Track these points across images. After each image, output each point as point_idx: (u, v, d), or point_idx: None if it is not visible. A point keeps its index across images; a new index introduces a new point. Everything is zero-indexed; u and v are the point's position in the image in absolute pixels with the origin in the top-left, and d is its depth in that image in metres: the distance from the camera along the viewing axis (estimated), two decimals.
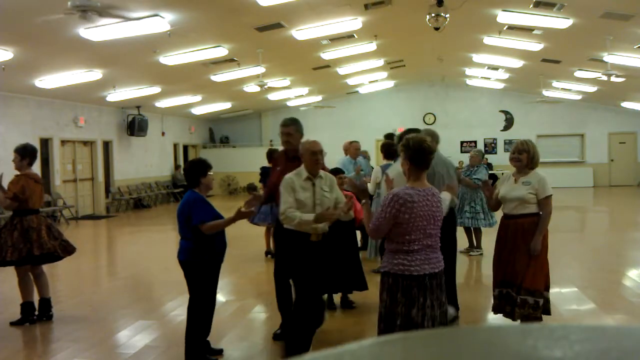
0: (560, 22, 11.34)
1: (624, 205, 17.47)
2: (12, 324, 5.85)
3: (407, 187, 3.60)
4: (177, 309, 6.16)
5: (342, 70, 17.29)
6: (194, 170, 4.62)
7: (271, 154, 8.49)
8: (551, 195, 4.85)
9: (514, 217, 4.88)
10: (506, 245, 4.92)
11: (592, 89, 18.85)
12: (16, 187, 5.79)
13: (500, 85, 21.68)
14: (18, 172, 5.93)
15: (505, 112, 23.18)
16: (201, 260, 4.53)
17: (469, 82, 22.08)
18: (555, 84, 19.27)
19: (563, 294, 6.56)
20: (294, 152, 4.93)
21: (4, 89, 12.98)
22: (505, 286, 4.91)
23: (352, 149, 8.80)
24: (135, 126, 18.15)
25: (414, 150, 3.58)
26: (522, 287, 4.75)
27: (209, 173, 4.63)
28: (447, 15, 9.91)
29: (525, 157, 4.89)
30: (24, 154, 5.94)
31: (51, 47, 10.48)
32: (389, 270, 3.62)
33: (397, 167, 4.50)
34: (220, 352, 4.85)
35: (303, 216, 4.30)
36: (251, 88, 16.85)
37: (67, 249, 6.06)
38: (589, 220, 14.93)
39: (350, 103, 23.26)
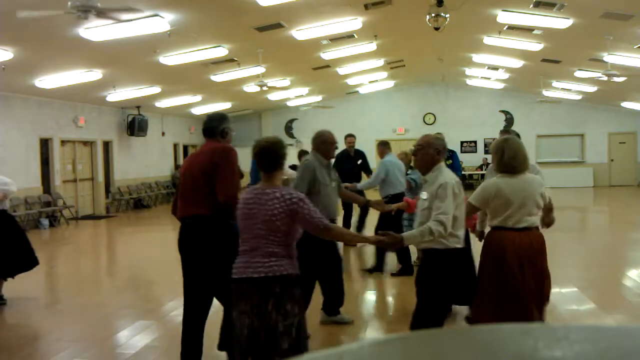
0: (560, 22, 11.33)
1: (624, 205, 17.45)
2: None
3: (255, 186, 3.52)
4: (177, 309, 6.14)
5: (342, 70, 17.28)
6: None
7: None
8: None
9: None
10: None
11: (592, 89, 18.83)
12: None
13: (500, 85, 21.67)
14: None
15: (505, 112, 23.16)
16: None
17: (469, 82, 22.06)
18: (555, 84, 19.25)
19: (563, 294, 6.55)
20: None
21: (4, 89, 12.97)
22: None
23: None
24: (135, 126, 18.14)
25: (255, 153, 3.45)
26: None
27: None
28: (447, 15, 9.90)
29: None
30: None
31: (51, 47, 10.48)
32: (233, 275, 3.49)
33: None
34: None
35: None
36: (251, 88, 16.83)
37: None
38: (589, 220, 14.92)
39: (350, 103, 23.24)
